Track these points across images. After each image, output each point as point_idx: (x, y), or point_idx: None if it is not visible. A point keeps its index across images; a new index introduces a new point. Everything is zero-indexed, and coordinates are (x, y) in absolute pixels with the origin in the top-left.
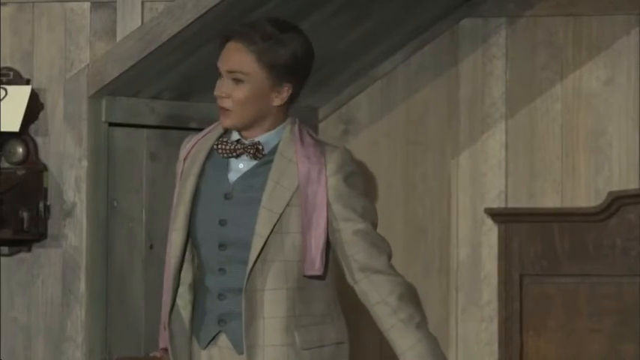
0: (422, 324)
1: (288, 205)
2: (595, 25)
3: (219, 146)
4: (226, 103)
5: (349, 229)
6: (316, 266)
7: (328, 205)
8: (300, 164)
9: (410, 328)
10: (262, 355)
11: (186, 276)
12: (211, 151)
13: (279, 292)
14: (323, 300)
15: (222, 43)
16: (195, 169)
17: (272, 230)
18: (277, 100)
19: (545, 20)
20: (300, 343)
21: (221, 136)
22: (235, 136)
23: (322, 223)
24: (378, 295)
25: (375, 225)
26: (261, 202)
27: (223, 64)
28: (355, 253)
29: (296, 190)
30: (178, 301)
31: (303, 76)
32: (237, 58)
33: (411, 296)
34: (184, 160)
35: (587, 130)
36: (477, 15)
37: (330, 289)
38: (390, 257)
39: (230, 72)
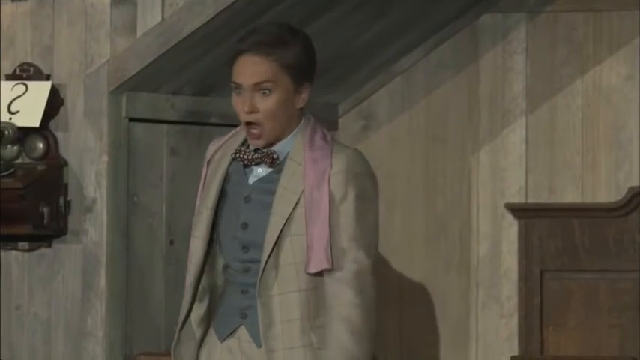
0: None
1: (294, 208)
2: (615, 20)
3: (239, 155)
4: (256, 118)
5: (337, 237)
6: (324, 262)
7: (331, 202)
8: (307, 167)
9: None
10: (282, 359)
11: (204, 281)
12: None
13: (293, 295)
14: None
15: (232, 58)
16: (219, 176)
17: (280, 234)
18: (300, 103)
19: (566, 16)
20: (316, 342)
21: (241, 143)
22: None
23: (325, 218)
24: (334, 303)
25: (364, 235)
26: (272, 208)
27: (246, 79)
28: (342, 276)
29: (302, 193)
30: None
31: (314, 73)
32: (261, 69)
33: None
34: (208, 163)
35: (608, 126)
36: (497, 10)
37: None
38: (364, 270)
39: (257, 84)
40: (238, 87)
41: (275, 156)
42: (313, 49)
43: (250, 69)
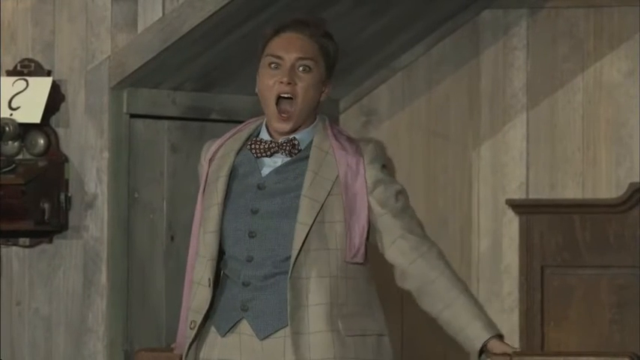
0: (473, 294)
1: (329, 194)
2: (616, 16)
3: (253, 146)
4: (293, 90)
5: (392, 213)
6: (360, 253)
7: (368, 193)
8: (338, 156)
9: (471, 300)
10: (308, 342)
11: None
12: (240, 152)
13: (323, 280)
14: (364, 291)
15: (270, 36)
16: (225, 171)
17: (315, 219)
18: (323, 96)
19: (566, 11)
20: (343, 330)
21: (250, 136)
22: (267, 136)
23: (364, 211)
24: (436, 272)
25: (410, 206)
26: (302, 191)
27: (290, 53)
28: (404, 233)
29: (335, 180)
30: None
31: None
32: (306, 46)
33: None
34: (209, 162)
35: (608, 122)
36: (498, 6)
37: (370, 281)
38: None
39: (300, 59)
40: (278, 60)
41: (296, 142)
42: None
43: (294, 43)
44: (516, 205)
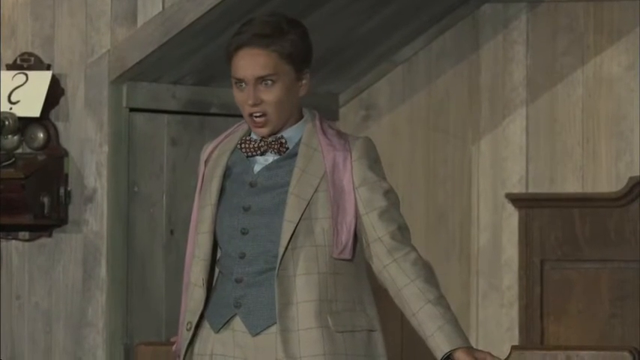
0: (448, 306)
1: (316, 191)
2: (616, 10)
3: (243, 145)
4: (261, 108)
5: (375, 212)
6: (347, 250)
7: (354, 189)
8: (326, 152)
9: (439, 310)
10: (297, 339)
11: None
12: (234, 152)
13: (311, 277)
14: (354, 287)
15: (230, 53)
16: (219, 171)
17: (301, 216)
18: (302, 90)
19: (566, 5)
20: (333, 326)
21: (243, 136)
22: (257, 135)
23: (351, 207)
24: (406, 278)
25: (398, 208)
26: (289, 188)
27: (248, 73)
28: (383, 235)
29: (323, 177)
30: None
31: (312, 59)
32: (262, 61)
33: (434, 278)
34: (205, 163)
35: (609, 116)
36: (498, 0)
37: (361, 277)
38: (410, 239)
39: (260, 78)
40: (240, 82)
41: (283, 140)
42: (309, 36)
43: (251, 62)
44: (516, 199)
